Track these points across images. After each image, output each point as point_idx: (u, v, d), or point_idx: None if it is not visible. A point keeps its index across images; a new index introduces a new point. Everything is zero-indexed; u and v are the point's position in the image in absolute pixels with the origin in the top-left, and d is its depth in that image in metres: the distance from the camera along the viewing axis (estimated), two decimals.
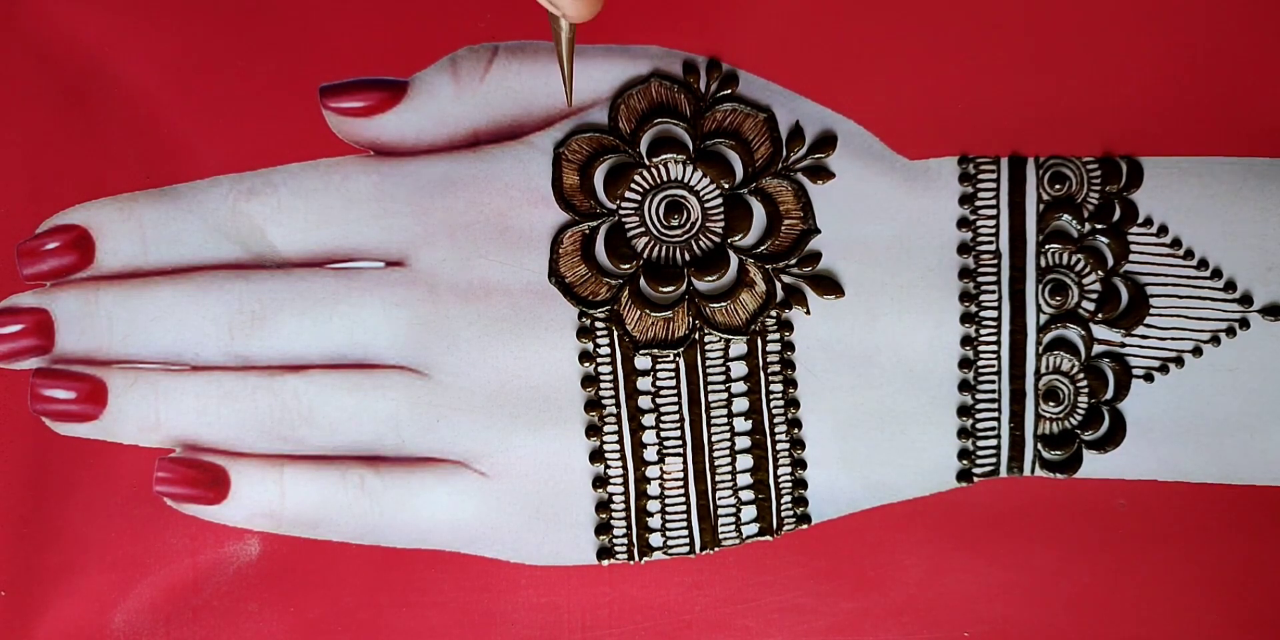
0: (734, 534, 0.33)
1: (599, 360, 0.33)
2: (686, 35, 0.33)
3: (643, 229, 0.32)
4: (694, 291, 0.33)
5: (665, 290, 0.32)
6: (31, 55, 0.33)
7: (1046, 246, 0.33)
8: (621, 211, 0.32)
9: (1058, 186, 0.33)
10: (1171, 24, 0.33)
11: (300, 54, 0.33)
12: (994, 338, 0.33)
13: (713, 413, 0.33)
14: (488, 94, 0.32)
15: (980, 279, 0.33)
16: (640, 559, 0.33)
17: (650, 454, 0.33)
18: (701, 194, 0.32)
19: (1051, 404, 0.33)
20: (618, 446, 0.33)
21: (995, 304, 0.33)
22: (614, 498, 0.33)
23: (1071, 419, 0.33)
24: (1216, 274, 0.33)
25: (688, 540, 0.33)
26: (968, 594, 0.33)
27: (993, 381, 0.33)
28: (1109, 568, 0.33)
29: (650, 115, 0.32)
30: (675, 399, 0.33)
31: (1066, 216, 0.33)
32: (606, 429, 0.33)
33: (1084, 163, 0.33)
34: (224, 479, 0.33)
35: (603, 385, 0.33)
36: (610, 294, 0.32)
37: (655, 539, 0.33)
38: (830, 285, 0.33)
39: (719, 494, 0.33)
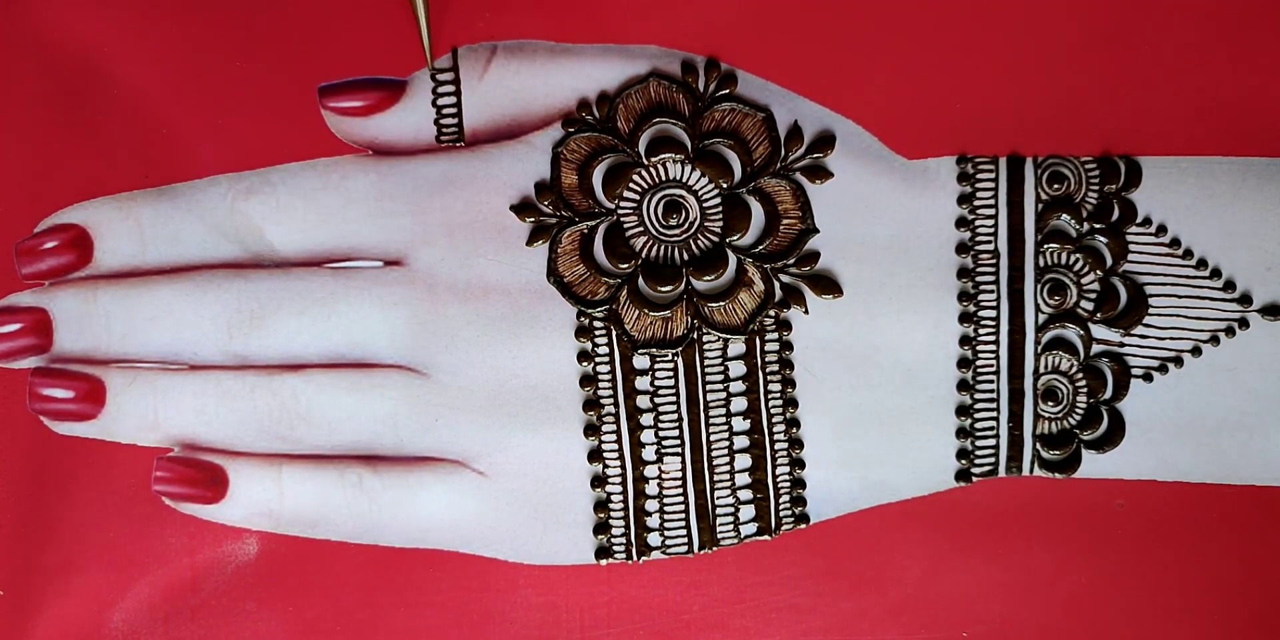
0: (732, 534, 0.33)
1: (597, 359, 0.33)
2: (685, 35, 0.33)
3: (641, 228, 0.32)
4: (692, 291, 0.33)
5: (664, 290, 0.32)
6: (31, 55, 0.33)
7: (1045, 246, 0.33)
8: (620, 211, 0.32)
9: (1056, 186, 0.33)
10: (1171, 24, 0.33)
11: (299, 53, 0.33)
12: (992, 337, 0.33)
13: (711, 412, 0.33)
14: (486, 93, 0.32)
15: (979, 278, 0.33)
16: (638, 558, 0.33)
17: (649, 453, 0.33)
18: (700, 193, 0.32)
19: (1050, 404, 0.33)
20: (616, 446, 0.33)
21: (994, 303, 0.33)
22: (612, 497, 0.33)
23: (1070, 419, 0.33)
24: (1216, 274, 0.33)
25: (686, 540, 0.33)
26: (966, 594, 0.33)
27: (991, 381, 0.33)
28: (1108, 568, 0.33)
29: (649, 115, 0.32)
30: (673, 398, 0.33)
31: (1065, 216, 0.33)
32: (605, 428, 0.33)
33: (1082, 162, 0.33)
34: (222, 478, 0.33)
35: (601, 385, 0.33)
36: (609, 293, 0.32)
37: (653, 538, 0.33)
38: (829, 285, 0.33)
39: (717, 493, 0.33)
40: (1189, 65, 0.33)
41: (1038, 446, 0.33)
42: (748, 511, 0.33)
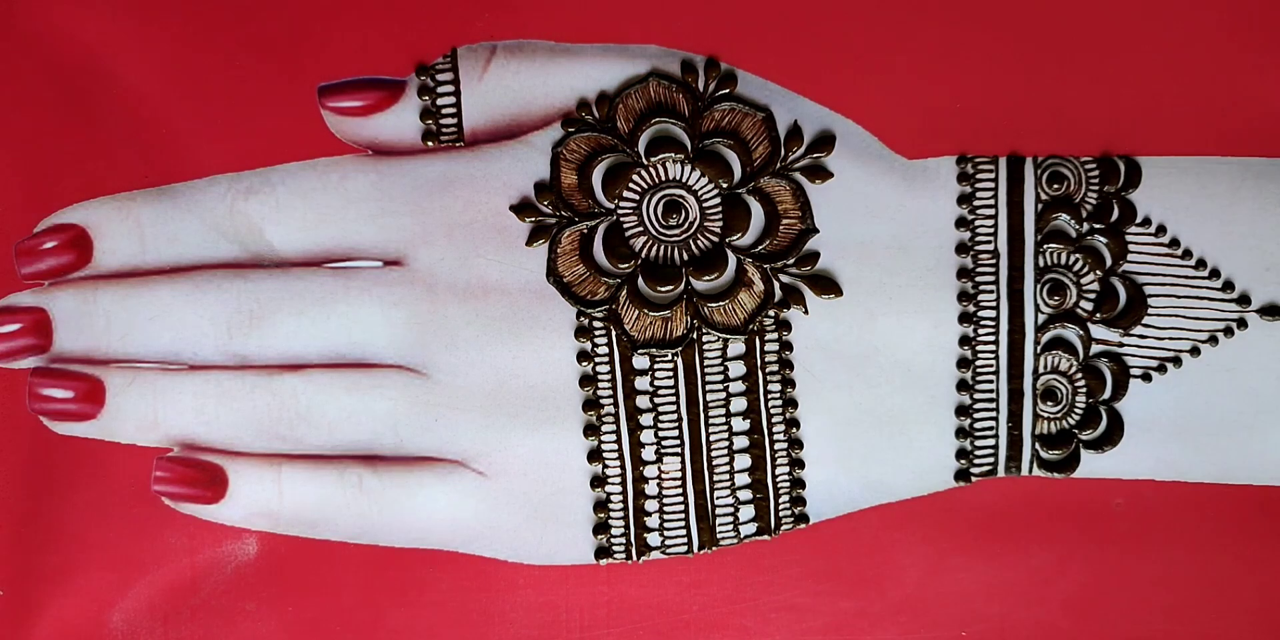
0: (732, 534, 0.33)
1: (597, 360, 0.33)
2: (685, 34, 0.33)
3: (641, 228, 0.32)
4: (692, 291, 0.33)
5: (663, 290, 0.32)
6: (31, 55, 0.33)
7: (1045, 246, 0.33)
8: (620, 211, 0.32)
9: (1056, 186, 0.33)
10: (1171, 24, 0.33)
11: (299, 54, 0.33)
12: (992, 337, 0.33)
13: (711, 412, 0.33)
14: (486, 93, 0.33)
15: (978, 279, 0.33)
16: (638, 558, 0.33)
17: (648, 454, 0.33)
18: (700, 193, 0.32)
19: (1049, 404, 0.33)
20: (616, 446, 0.33)
21: (993, 303, 0.33)
22: (612, 497, 0.33)
23: (1069, 419, 0.33)
24: (1214, 274, 0.33)
25: (685, 540, 0.33)
26: (965, 593, 0.33)
27: (991, 381, 0.33)
28: (1107, 567, 0.33)
29: (648, 114, 0.32)
30: (673, 399, 0.33)
31: (1065, 216, 0.33)
32: (604, 428, 0.33)
33: (1082, 162, 0.33)
34: (222, 478, 0.33)
35: (601, 385, 0.33)
36: (608, 293, 0.32)
37: (653, 538, 0.33)
38: (828, 285, 0.33)
39: (717, 494, 0.33)
40: (1189, 65, 0.33)
41: (1037, 446, 0.33)
42: (747, 511, 0.33)
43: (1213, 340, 0.33)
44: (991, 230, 0.33)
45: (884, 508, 0.33)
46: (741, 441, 0.33)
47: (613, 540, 0.33)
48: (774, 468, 0.33)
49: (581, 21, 0.33)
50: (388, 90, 0.33)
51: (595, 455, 0.33)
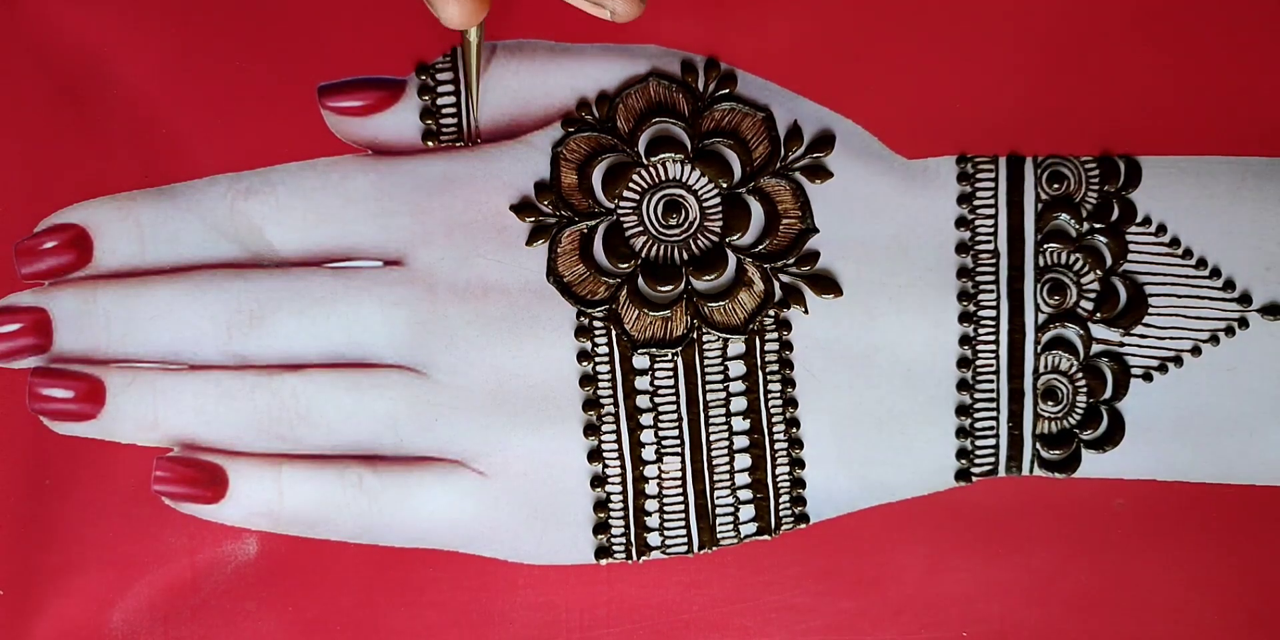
0: (732, 533, 0.33)
1: (597, 359, 0.33)
2: (685, 34, 0.33)
3: (641, 228, 0.32)
4: (692, 291, 0.32)
5: (663, 289, 0.32)
6: (31, 55, 0.33)
7: (1045, 246, 0.33)
8: (620, 211, 0.32)
9: (1056, 186, 0.33)
10: (1171, 24, 0.33)
11: (299, 54, 0.33)
12: (992, 337, 0.33)
13: (711, 412, 0.33)
14: (486, 93, 0.33)
15: (979, 278, 0.33)
16: (638, 558, 0.33)
17: (648, 453, 0.33)
18: (700, 193, 0.32)
19: (1050, 403, 0.33)
20: (616, 446, 0.33)
21: (994, 303, 0.33)
22: (612, 497, 0.33)
23: (1070, 418, 0.33)
24: (1215, 273, 0.33)
25: (686, 540, 0.33)
26: (966, 594, 0.33)
27: (991, 381, 0.33)
28: (1108, 567, 0.33)
29: (648, 114, 0.32)
30: (673, 398, 0.33)
31: (1065, 216, 0.33)
32: (605, 428, 0.33)
33: (1082, 162, 0.33)
34: (222, 478, 0.33)
35: (601, 384, 0.33)
36: (608, 293, 0.32)
37: (653, 538, 0.33)
38: (828, 284, 0.33)
39: (717, 493, 0.33)
40: (1189, 65, 0.33)
41: (1037, 446, 0.33)
42: (747, 511, 0.33)
43: (1214, 340, 0.33)
44: (991, 230, 0.33)
45: (884, 508, 0.33)
46: (741, 441, 0.33)
47: (613, 540, 0.33)
48: (774, 467, 0.33)
49: (581, 21, 0.33)
50: (388, 90, 0.33)
51: (595, 455, 0.33)
